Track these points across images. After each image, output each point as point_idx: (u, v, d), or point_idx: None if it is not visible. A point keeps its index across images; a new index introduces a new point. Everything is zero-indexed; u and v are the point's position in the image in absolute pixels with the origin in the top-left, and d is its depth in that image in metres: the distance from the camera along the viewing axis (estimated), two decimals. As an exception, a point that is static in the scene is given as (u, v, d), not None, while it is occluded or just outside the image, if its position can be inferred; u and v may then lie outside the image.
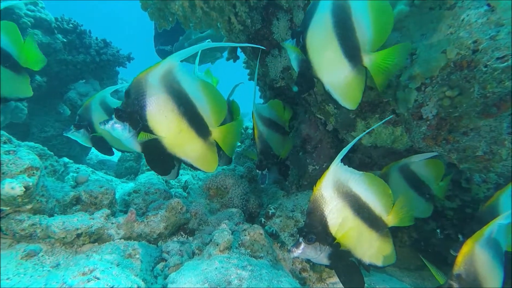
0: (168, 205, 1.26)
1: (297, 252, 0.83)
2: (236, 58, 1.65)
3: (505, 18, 0.74)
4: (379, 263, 0.88)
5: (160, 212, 1.24)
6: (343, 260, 0.87)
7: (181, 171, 2.25)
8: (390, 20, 0.76)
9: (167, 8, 1.18)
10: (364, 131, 1.36)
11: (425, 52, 0.95)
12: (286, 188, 1.89)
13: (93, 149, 4.09)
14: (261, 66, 1.55)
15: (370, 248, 0.87)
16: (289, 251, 0.85)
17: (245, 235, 1.11)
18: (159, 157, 0.86)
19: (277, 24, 1.31)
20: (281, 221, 1.34)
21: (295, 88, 0.91)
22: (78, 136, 1.23)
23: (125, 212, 1.44)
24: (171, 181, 2.23)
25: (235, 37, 1.40)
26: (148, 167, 2.20)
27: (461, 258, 0.73)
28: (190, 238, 1.27)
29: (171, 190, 2.03)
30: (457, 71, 0.86)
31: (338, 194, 0.82)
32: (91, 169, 2.00)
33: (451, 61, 0.88)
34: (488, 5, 0.78)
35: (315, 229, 0.82)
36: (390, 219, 0.88)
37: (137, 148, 0.85)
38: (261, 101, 1.97)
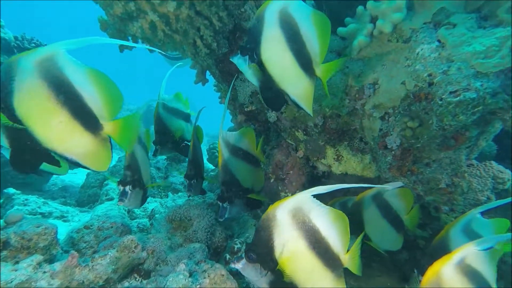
0: (120, 243, 1.11)
1: (238, 266, 0.78)
2: (205, 81, 1.61)
3: (454, 54, 0.75)
4: None
5: (109, 253, 1.09)
6: None
7: (149, 199, 2.10)
8: (329, 33, 0.83)
9: (125, 29, 1.12)
10: (334, 158, 1.32)
11: (386, 83, 0.95)
12: (258, 216, 1.79)
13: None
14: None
15: None
16: (231, 261, 0.80)
17: (205, 277, 0.99)
18: (32, 153, 0.76)
19: (242, 50, 1.28)
20: (248, 257, 1.23)
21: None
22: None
23: (72, 252, 1.27)
24: (135, 210, 2.06)
25: (201, 60, 1.36)
26: (108, 197, 2.03)
27: (425, 282, 0.67)
28: (145, 281, 1.12)
29: (134, 221, 1.86)
30: (417, 102, 0.86)
31: (294, 220, 0.75)
32: (42, 199, 1.79)
33: (410, 92, 0.87)
34: (439, 41, 0.80)
35: (258, 249, 0.76)
36: (346, 259, 0.81)
37: (5, 142, 0.75)
38: (232, 125, 1.92)
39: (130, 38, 1.27)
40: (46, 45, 2.59)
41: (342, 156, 1.30)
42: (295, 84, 0.86)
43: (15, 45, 2.38)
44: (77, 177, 3.77)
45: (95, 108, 0.78)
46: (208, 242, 1.40)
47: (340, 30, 0.99)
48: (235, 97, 1.59)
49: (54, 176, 3.52)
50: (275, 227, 0.75)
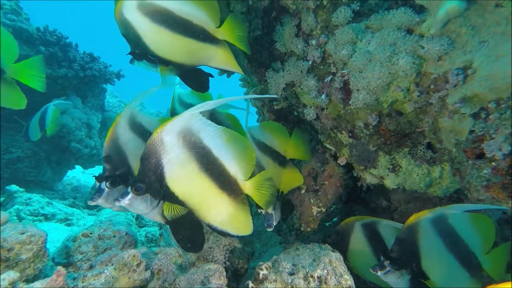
0: (119, 259, 0.90)
1: (124, 202, 0.72)
2: (230, 72, 1.40)
3: None
4: (232, 231, 0.81)
5: (106, 271, 0.88)
6: (182, 219, 0.77)
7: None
8: None
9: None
10: (389, 168, 1.05)
11: (488, 65, 0.68)
12: (283, 232, 1.53)
13: (72, 174, 3.70)
14: (259, 83, 1.29)
15: (220, 212, 0.79)
16: (115, 200, 0.74)
17: (223, 318, 0.74)
18: None
19: (281, 31, 1.06)
20: (276, 288, 0.97)
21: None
22: None
23: (65, 266, 1.07)
24: (145, 217, 1.87)
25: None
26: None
27: None
28: (146, 312, 0.89)
29: (143, 229, 1.66)
30: (547, 89, 0.58)
31: (184, 143, 0.72)
32: (46, 199, 1.63)
33: (534, 76, 0.60)
34: None
35: (147, 178, 0.72)
36: (247, 186, 0.78)
37: None
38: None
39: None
40: (67, 37, 2.53)
41: (400, 166, 1.02)
42: (201, 57, 0.86)
43: (37, 37, 2.33)
44: (93, 179, 3.68)
45: None
46: (226, 262, 1.15)
47: (419, -4, 0.74)
48: (265, 91, 1.36)
49: (70, 175, 3.47)
50: (162, 152, 0.71)
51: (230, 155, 0.75)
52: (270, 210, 0.97)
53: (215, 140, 0.73)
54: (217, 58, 0.89)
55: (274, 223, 1.00)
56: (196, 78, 0.90)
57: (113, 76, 2.77)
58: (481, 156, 0.71)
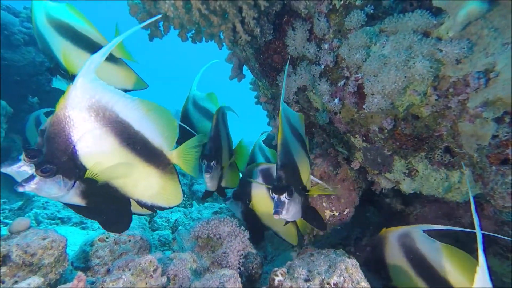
0: (137, 265, 0.91)
1: (29, 187, 0.65)
2: (241, 77, 1.40)
3: None
4: (163, 203, 0.80)
5: (123, 276, 0.89)
6: (105, 198, 0.73)
7: (173, 208, 1.91)
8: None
9: (155, 8, 0.95)
10: (405, 173, 1.03)
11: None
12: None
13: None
14: (270, 87, 1.28)
15: (150, 186, 0.76)
16: (19, 185, 0.65)
17: (240, 325, 0.74)
18: None
19: (292, 35, 1.05)
20: (291, 295, 0.96)
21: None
22: None
23: (83, 270, 1.09)
24: (158, 220, 1.89)
25: (240, 50, 1.15)
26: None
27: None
28: (163, 317, 0.90)
29: (156, 233, 1.68)
30: None
31: (97, 118, 0.66)
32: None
33: (562, 79, 0.58)
34: None
35: (56, 158, 0.65)
36: (174, 156, 0.77)
37: None
38: (269, 129, 1.68)
39: (161, 24, 1.10)
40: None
41: (417, 171, 1.00)
42: (106, 77, 0.87)
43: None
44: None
45: None
46: (241, 268, 1.15)
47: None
48: (276, 95, 1.36)
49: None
50: (71, 129, 0.64)
51: (152, 127, 0.72)
52: (282, 197, 0.86)
53: (133, 113, 0.69)
54: (118, 78, 0.94)
55: (284, 214, 0.87)
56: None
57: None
58: (506, 161, 0.69)
